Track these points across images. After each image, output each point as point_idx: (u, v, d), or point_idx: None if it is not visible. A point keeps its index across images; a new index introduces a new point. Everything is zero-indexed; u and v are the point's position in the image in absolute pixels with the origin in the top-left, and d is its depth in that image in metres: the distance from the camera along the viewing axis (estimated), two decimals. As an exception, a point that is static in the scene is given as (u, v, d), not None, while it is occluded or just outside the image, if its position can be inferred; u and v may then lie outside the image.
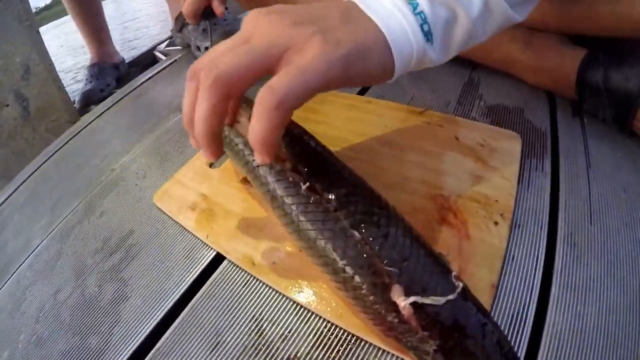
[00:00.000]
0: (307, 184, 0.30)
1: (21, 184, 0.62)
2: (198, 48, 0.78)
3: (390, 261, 0.26)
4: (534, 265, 0.35)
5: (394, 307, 0.25)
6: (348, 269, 0.27)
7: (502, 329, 0.28)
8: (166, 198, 0.44)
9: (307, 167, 0.31)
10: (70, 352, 0.37)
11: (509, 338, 0.29)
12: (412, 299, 0.24)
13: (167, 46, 1.15)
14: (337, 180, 0.31)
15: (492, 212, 0.36)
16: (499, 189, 0.38)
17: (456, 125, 0.46)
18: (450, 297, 0.24)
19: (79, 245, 0.47)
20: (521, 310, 0.32)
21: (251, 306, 0.35)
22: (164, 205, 0.44)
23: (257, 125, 0.24)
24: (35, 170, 0.63)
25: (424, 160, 0.41)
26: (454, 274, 0.26)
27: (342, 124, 0.47)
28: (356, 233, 0.27)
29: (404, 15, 0.27)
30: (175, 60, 0.83)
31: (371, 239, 0.27)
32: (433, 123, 0.46)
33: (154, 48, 1.22)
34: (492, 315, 0.29)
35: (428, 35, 0.28)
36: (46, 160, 0.64)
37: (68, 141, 0.67)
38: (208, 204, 0.41)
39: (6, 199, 0.61)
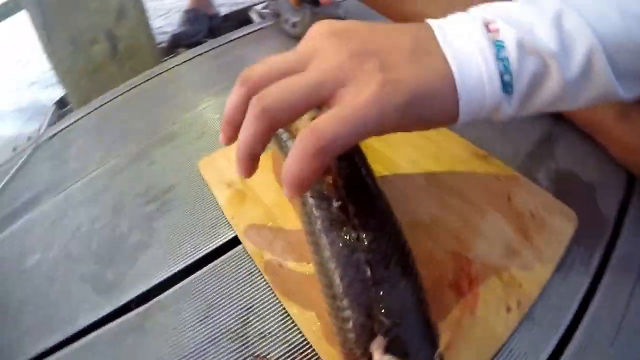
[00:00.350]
0: (340, 202, 0.30)
1: (93, 110, 0.67)
2: (286, 21, 0.78)
3: (387, 312, 0.25)
4: None
5: (369, 356, 0.24)
6: (345, 300, 0.26)
7: None
8: (210, 166, 0.46)
9: (347, 186, 0.31)
10: (89, 276, 0.41)
11: None
12: (387, 358, 0.23)
13: (263, 8, 1.17)
14: (371, 210, 0.30)
15: (510, 296, 0.32)
16: (530, 272, 0.34)
17: (514, 182, 0.41)
18: None
19: (125, 185, 0.50)
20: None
21: (247, 295, 0.36)
22: (205, 173, 0.46)
23: (293, 166, 0.23)
24: (109, 101, 0.68)
25: (465, 211, 0.38)
26: (438, 351, 0.25)
27: (401, 145, 0.45)
28: (368, 270, 0.27)
29: (485, 59, 0.23)
30: (263, 28, 0.84)
31: (380, 283, 0.26)
32: (491, 173, 0.42)
33: (251, 7, 1.23)
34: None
35: (507, 87, 0.24)
36: (121, 94, 0.69)
37: (146, 81, 0.71)
38: (243, 185, 0.43)
39: (78, 119, 0.67)
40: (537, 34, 0.23)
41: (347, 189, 0.31)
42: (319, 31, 0.26)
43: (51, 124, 0.97)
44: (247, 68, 0.27)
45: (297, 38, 0.75)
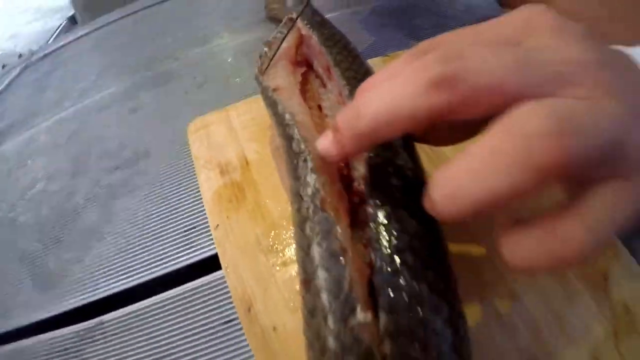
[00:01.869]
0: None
1: (93, 30, 0.53)
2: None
3: None
4: None
5: None
6: None
7: None
8: (202, 135, 0.31)
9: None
10: (29, 257, 0.31)
11: None
12: None
13: None
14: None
15: None
16: None
17: (614, 263, 0.25)
18: None
19: (95, 136, 0.38)
20: None
21: (223, 350, 0.22)
22: (194, 142, 0.31)
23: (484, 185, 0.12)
24: (115, 20, 0.54)
25: (549, 291, 0.23)
26: None
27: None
28: None
29: None
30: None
31: None
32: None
33: None
34: None
35: None
36: (127, 15, 0.54)
37: (156, 3, 0.55)
38: (244, 177, 0.28)
39: (74, 40, 0.53)
40: None
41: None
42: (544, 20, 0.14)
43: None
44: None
45: None
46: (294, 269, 0.23)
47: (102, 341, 0.25)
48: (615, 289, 0.24)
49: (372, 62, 0.33)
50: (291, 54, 0.29)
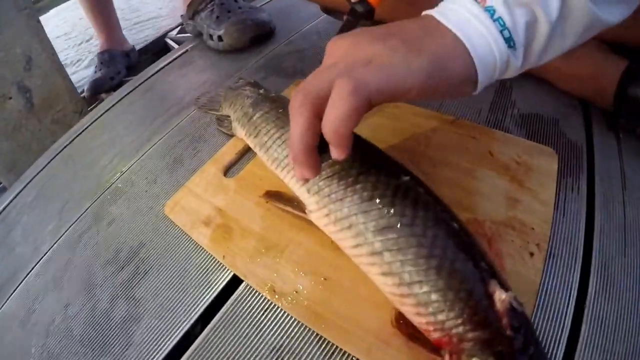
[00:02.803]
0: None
1: (28, 182, 0.60)
2: (210, 37, 0.74)
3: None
4: (566, 300, 0.33)
5: (489, 301, 0.24)
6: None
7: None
8: (178, 210, 0.42)
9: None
10: None
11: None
12: (510, 294, 0.24)
13: (178, 33, 1.11)
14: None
15: (527, 242, 0.34)
16: (535, 214, 0.35)
17: (490, 138, 0.42)
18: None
19: (89, 256, 0.45)
20: (551, 348, 0.30)
21: (271, 336, 0.32)
22: (176, 218, 0.41)
23: (331, 114, 0.24)
24: (43, 168, 0.61)
25: (456, 178, 0.38)
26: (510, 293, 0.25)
27: (365, 131, 0.43)
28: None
29: (482, 22, 0.26)
30: (187, 51, 0.79)
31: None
32: (465, 134, 0.43)
33: (165, 35, 1.17)
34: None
35: (510, 42, 0.27)
36: (54, 157, 0.62)
37: (76, 137, 0.64)
38: (224, 219, 0.39)
39: (14, 197, 0.59)
40: None
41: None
42: (334, 41, 0.29)
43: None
44: (295, 90, 0.27)
45: (226, 51, 0.74)
46: (288, 250, 0.35)
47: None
48: (502, 156, 0.40)
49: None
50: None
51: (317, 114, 0.26)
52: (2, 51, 0.72)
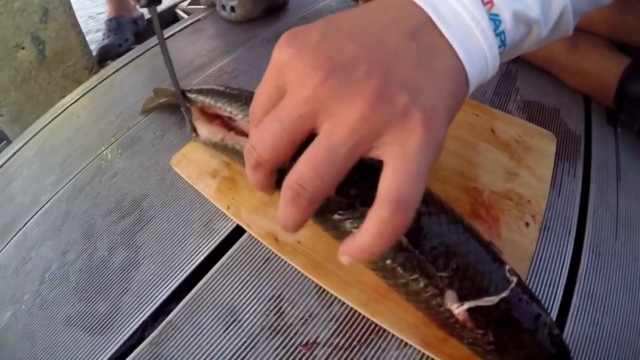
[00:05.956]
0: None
1: (33, 136, 0.59)
2: (223, 7, 0.73)
3: (439, 263, 0.23)
4: (559, 271, 0.34)
5: (450, 312, 0.23)
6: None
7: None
8: (185, 162, 0.41)
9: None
10: (76, 316, 0.35)
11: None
12: (465, 305, 0.23)
13: (189, 4, 1.10)
14: None
15: (524, 213, 0.35)
16: (532, 189, 0.37)
17: (492, 116, 0.44)
18: (504, 294, 0.23)
19: (89, 205, 0.44)
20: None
21: (271, 285, 0.32)
22: (182, 170, 0.41)
23: (376, 247, 0.20)
24: (47, 124, 0.60)
25: (459, 150, 0.39)
26: (507, 267, 0.24)
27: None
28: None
29: (485, 37, 0.22)
30: (199, 19, 0.78)
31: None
32: (469, 112, 0.44)
33: (175, 5, 1.16)
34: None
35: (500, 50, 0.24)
36: (60, 113, 0.61)
37: (83, 94, 0.63)
38: (231, 172, 0.38)
39: (17, 151, 0.58)
40: (526, 2, 0.23)
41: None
42: (289, 52, 0.21)
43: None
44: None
45: (238, 22, 0.73)
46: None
47: (178, 330, 0.32)
48: (503, 134, 0.42)
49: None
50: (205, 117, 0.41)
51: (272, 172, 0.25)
52: (20, 0, 0.71)
